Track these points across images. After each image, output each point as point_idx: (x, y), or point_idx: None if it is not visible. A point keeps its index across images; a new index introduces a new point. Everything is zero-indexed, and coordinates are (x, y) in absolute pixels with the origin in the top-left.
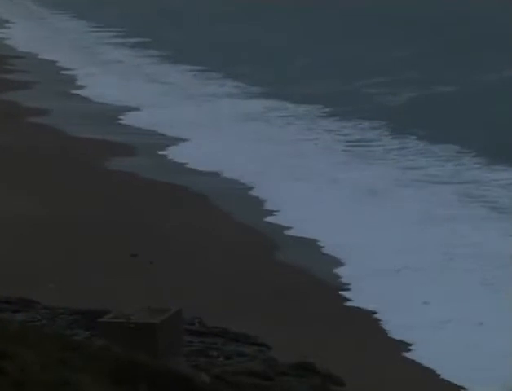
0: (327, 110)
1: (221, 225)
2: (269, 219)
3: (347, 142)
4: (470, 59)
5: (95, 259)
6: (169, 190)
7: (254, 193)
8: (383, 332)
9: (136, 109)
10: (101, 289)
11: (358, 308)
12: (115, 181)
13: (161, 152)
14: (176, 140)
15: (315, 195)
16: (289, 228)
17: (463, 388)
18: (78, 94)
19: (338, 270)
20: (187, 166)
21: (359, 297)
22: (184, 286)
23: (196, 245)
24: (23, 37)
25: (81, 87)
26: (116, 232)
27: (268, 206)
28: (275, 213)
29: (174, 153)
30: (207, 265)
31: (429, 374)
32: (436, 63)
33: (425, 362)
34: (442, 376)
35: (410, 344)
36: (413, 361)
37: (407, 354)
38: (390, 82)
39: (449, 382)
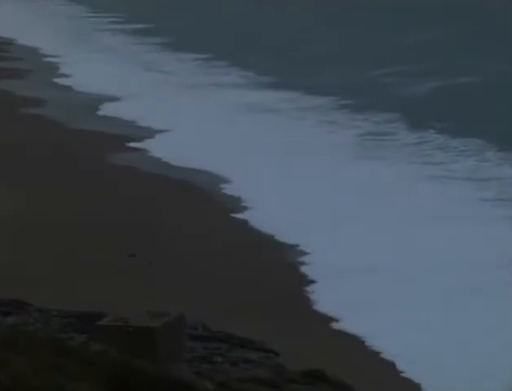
0: (339, 102)
1: (221, 223)
2: (269, 217)
3: (361, 135)
4: (492, 47)
5: (92, 259)
6: (167, 185)
7: (255, 191)
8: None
9: (127, 99)
10: (98, 291)
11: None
12: (110, 176)
13: (157, 146)
14: (169, 132)
15: (322, 192)
16: (289, 226)
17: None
18: (70, 84)
19: (312, 269)
20: (185, 161)
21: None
22: (185, 287)
23: (196, 244)
24: (9, 22)
25: (71, 76)
26: (114, 230)
27: (268, 204)
28: (274, 211)
29: (171, 147)
30: (208, 265)
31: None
32: (456, 52)
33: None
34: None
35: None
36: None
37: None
38: (407, 72)
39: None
